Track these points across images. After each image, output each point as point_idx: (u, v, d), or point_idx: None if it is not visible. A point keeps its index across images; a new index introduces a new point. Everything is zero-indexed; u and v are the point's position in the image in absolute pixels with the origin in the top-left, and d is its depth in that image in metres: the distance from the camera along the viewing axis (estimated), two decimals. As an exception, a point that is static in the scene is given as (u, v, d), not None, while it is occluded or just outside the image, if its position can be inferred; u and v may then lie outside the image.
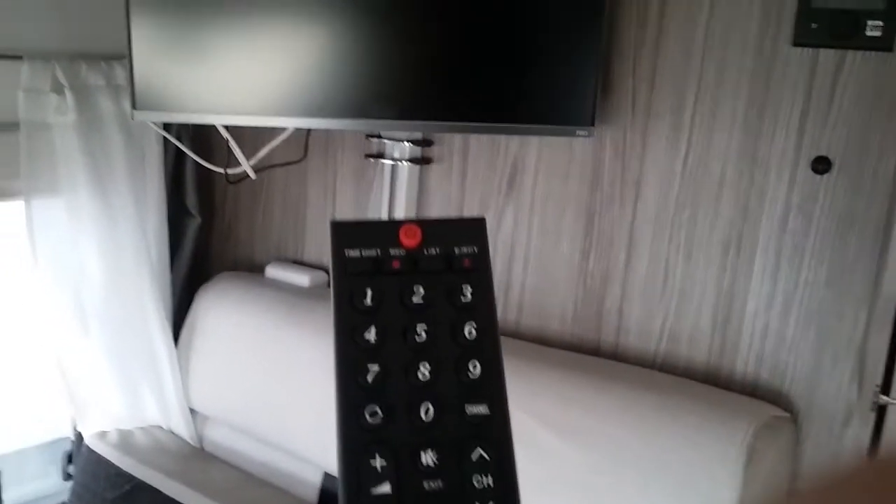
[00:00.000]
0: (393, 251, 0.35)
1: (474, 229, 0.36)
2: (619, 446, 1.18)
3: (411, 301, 0.35)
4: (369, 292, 0.34)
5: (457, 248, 0.35)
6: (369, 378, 0.33)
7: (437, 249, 0.36)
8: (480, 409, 0.34)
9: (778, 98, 1.19)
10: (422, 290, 0.35)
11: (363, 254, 0.35)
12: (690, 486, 1.12)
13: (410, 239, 0.35)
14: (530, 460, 1.23)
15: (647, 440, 1.16)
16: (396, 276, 0.35)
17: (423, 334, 0.34)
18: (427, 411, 0.33)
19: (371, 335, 0.33)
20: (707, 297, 1.29)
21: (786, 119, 1.19)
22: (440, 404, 0.33)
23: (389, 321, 0.34)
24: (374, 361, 0.33)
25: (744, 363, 1.29)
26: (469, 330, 0.35)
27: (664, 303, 1.33)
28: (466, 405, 0.33)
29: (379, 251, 0.35)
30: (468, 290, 0.35)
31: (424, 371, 0.33)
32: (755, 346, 1.27)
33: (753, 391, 1.28)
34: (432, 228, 0.35)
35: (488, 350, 0.35)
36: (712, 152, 1.26)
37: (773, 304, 1.24)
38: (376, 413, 0.32)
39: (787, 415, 1.23)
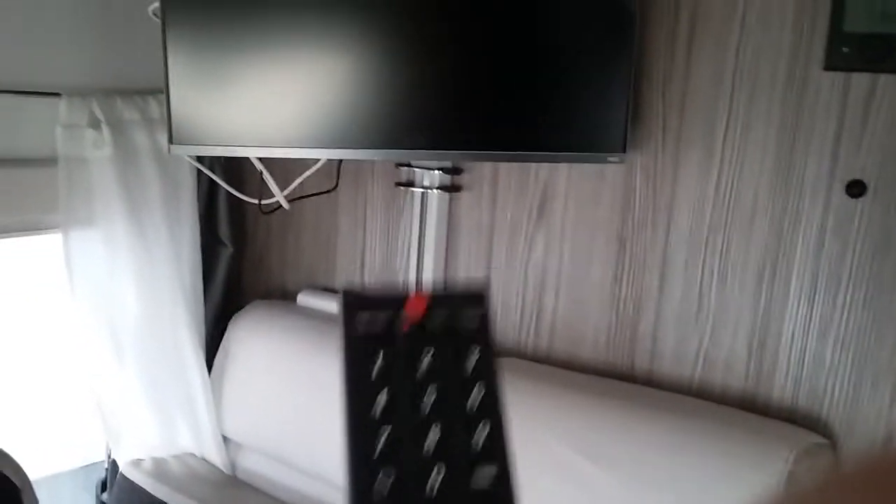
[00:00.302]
0: (401, 319, 0.37)
1: (478, 297, 0.38)
2: (655, 473, 1.17)
3: (419, 367, 0.36)
4: (379, 359, 0.35)
5: (462, 315, 0.37)
6: (380, 444, 0.34)
7: (443, 317, 0.37)
8: (490, 469, 0.34)
9: (811, 122, 1.19)
10: (429, 356, 0.36)
11: (372, 322, 0.36)
12: (731, 514, 1.10)
13: (417, 308, 0.37)
14: (565, 487, 1.22)
15: (684, 467, 1.15)
16: (404, 343, 0.36)
17: (432, 399, 0.35)
18: (438, 474, 0.33)
19: (381, 401, 0.34)
20: (742, 321, 1.29)
21: (819, 143, 1.19)
22: (450, 466, 0.34)
23: (399, 387, 0.35)
24: (384, 426, 0.34)
25: (781, 388, 1.27)
26: (477, 393, 0.36)
27: (699, 328, 1.33)
28: (476, 467, 0.34)
29: (387, 319, 0.36)
30: (474, 355, 0.36)
31: (434, 435, 0.34)
32: (792, 370, 1.26)
33: (791, 417, 1.26)
34: (438, 298, 0.37)
35: (496, 412, 0.36)
36: (745, 177, 1.26)
37: (810, 328, 1.23)
38: (389, 477, 0.33)
39: (826, 441, 1.21)
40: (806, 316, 1.24)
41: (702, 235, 1.31)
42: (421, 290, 0.37)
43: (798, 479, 1.10)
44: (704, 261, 1.31)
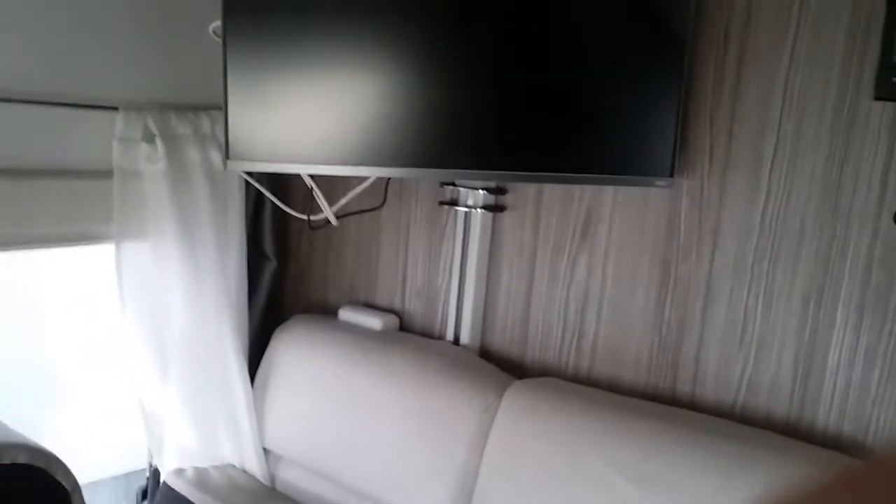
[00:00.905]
0: None
1: None
2: (699, 497, 1.17)
3: None
4: None
5: None
6: None
7: None
8: None
9: (859, 151, 1.20)
10: None
11: None
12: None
13: None
14: (609, 509, 1.23)
15: (728, 492, 1.16)
16: None
17: None
18: None
19: None
20: (787, 348, 1.29)
21: (868, 172, 1.20)
22: None
23: None
24: None
25: (825, 416, 1.27)
26: None
27: (743, 353, 1.33)
28: None
29: None
30: None
31: None
32: (837, 398, 1.26)
33: (835, 444, 1.26)
34: None
35: None
36: (792, 205, 1.26)
37: (855, 356, 1.23)
38: None
39: (871, 469, 1.21)
40: (852, 345, 1.24)
41: (747, 262, 1.32)
42: None
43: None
44: (750, 287, 1.32)
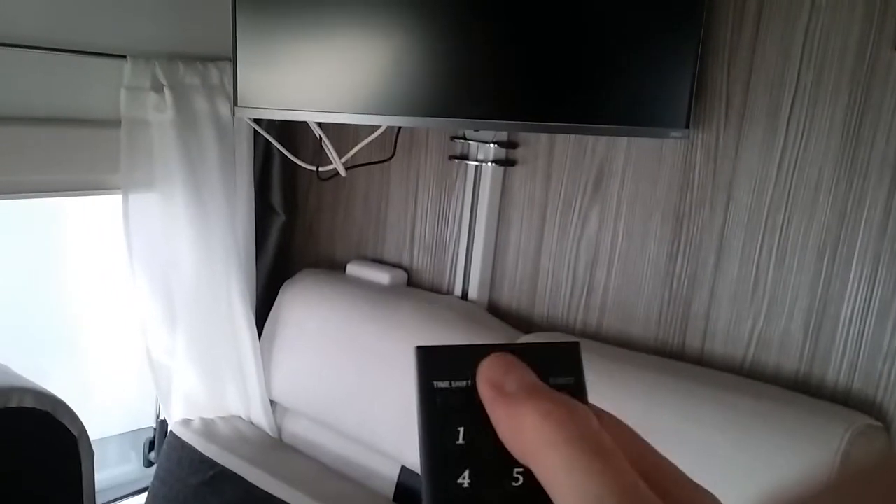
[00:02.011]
0: None
1: (569, 355, 0.33)
2: (710, 451, 1.17)
3: None
4: (461, 430, 0.31)
5: (552, 378, 0.32)
6: None
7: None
8: None
9: (879, 102, 1.18)
10: None
11: (453, 385, 0.31)
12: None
13: None
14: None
15: (739, 445, 1.15)
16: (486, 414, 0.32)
17: (520, 477, 0.30)
18: None
19: (465, 479, 0.30)
20: (800, 302, 1.28)
21: (887, 124, 1.17)
22: None
23: (485, 461, 0.30)
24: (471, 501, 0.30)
25: (836, 371, 1.26)
26: None
27: (754, 308, 1.32)
28: None
29: (470, 382, 0.31)
30: None
31: None
32: (849, 353, 1.25)
33: (845, 400, 1.25)
34: (525, 354, 0.32)
35: None
36: (809, 156, 1.24)
37: (869, 311, 1.22)
38: None
39: (880, 424, 1.20)
40: (865, 299, 1.22)
41: (761, 214, 1.30)
42: (506, 347, 0.32)
43: (853, 459, 1.09)
44: (763, 240, 1.30)
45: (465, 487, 0.30)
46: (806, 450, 1.11)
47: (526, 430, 0.28)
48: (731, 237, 1.33)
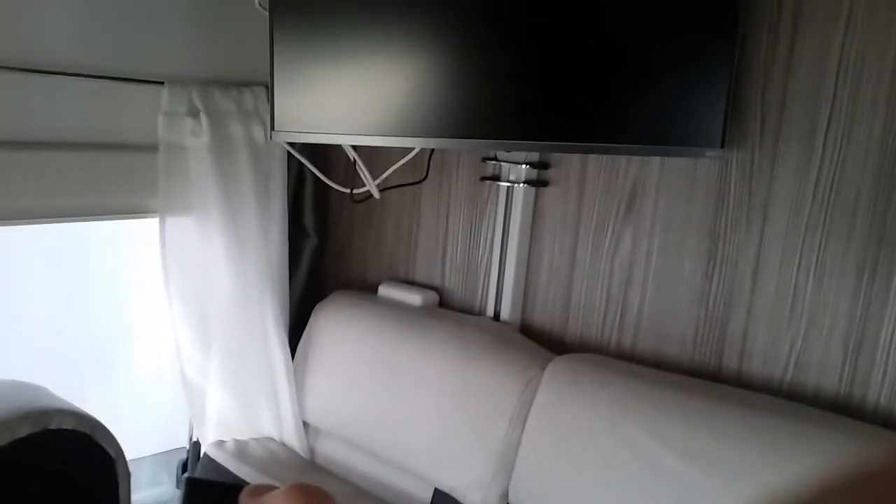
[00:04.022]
0: None
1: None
2: (746, 472, 1.15)
3: None
4: None
5: None
6: None
7: None
8: None
9: (918, 119, 1.17)
10: None
11: None
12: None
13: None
14: (654, 484, 1.21)
15: (777, 467, 1.13)
16: None
17: None
18: None
19: None
20: (838, 323, 1.26)
21: (926, 141, 1.16)
22: None
23: None
24: None
25: (876, 392, 1.24)
26: None
27: (792, 328, 1.31)
28: None
29: None
30: None
31: None
32: (889, 374, 1.23)
33: (886, 422, 1.23)
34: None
35: None
36: (846, 176, 1.23)
37: (911, 331, 1.20)
38: None
39: (926, 448, 1.18)
40: (907, 319, 1.21)
41: (798, 234, 1.29)
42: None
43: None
44: (800, 260, 1.29)
45: None
46: (847, 472, 1.09)
47: None
48: (767, 257, 1.32)
